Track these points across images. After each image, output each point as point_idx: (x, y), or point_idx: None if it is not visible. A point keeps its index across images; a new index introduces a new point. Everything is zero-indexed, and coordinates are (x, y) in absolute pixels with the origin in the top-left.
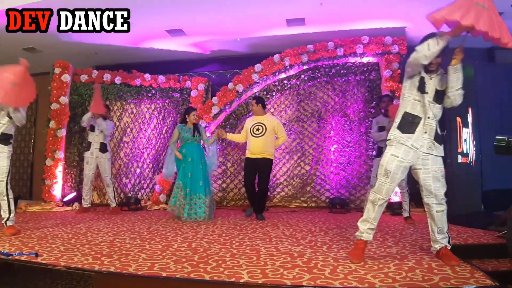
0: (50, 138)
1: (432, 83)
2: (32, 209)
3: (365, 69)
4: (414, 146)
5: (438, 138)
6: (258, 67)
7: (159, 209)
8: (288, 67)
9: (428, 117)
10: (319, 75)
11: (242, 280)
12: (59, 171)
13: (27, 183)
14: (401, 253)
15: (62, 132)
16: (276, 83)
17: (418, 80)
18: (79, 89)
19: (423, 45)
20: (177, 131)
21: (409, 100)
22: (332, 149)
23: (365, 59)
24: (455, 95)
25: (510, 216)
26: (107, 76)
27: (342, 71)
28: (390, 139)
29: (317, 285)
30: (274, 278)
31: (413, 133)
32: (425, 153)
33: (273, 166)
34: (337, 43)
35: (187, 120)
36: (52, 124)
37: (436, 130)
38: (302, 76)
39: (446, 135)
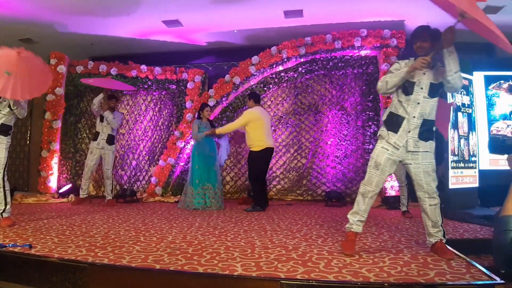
0: (46, 130)
1: (426, 78)
2: (28, 200)
3: (363, 62)
4: (396, 144)
5: (424, 136)
6: (255, 59)
7: (155, 201)
8: (285, 60)
9: (414, 117)
10: (317, 68)
11: (236, 273)
12: (54, 162)
13: (23, 175)
14: (396, 247)
15: (58, 124)
16: (273, 76)
17: (404, 83)
18: (74, 80)
19: (383, 78)
20: (196, 125)
21: (394, 101)
22: (329, 142)
23: (363, 52)
24: (455, 78)
25: (497, 220)
26: (102, 67)
27: (339, 64)
28: (379, 134)
29: (311, 278)
30: (268, 271)
31: (396, 132)
32: (412, 151)
33: None
34: (335, 36)
35: (201, 116)
36: (47, 115)
37: (424, 127)
38: (300, 68)
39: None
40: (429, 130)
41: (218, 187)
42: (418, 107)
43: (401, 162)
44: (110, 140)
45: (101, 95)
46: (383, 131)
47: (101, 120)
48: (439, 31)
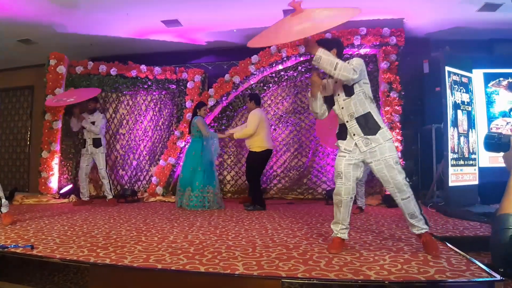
0: (46, 130)
1: (337, 83)
2: (29, 201)
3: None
4: (347, 149)
5: (369, 131)
6: (255, 58)
7: (156, 201)
8: (285, 59)
9: (347, 121)
10: (316, 66)
11: (237, 272)
12: (55, 163)
13: (23, 176)
14: (396, 245)
15: (58, 124)
16: (273, 75)
17: (323, 101)
18: (74, 80)
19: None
20: (202, 120)
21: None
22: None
23: (362, 51)
24: (338, 75)
25: (495, 218)
26: (102, 68)
27: None
28: (337, 146)
29: (312, 277)
30: (269, 269)
31: (344, 139)
32: (367, 150)
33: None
34: (335, 34)
35: (198, 114)
36: (47, 116)
37: (361, 124)
38: (299, 67)
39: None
40: (368, 124)
41: (217, 188)
42: (344, 111)
43: (363, 162)
44: (96, 143)
45: (74, 120)
46: (337, 142)
47: (85, 128)
48: (332, 39)
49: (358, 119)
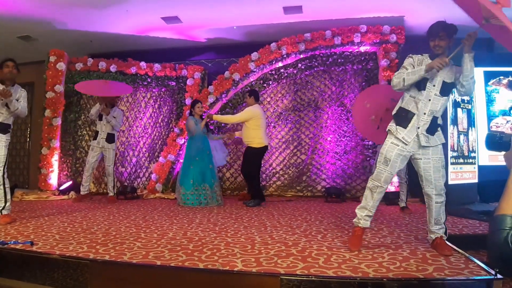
0: (46, 127)
1: (439, 76)
2: (29, 198)
3: (362, 58)
4: (405, 139)
5: (432, 131)
6: (254, 55)
7: (155, 198)
8: (285, 56)
9: (424, 113)
10: (316, 64)
11: (236, 269)
12: (55, 160)
13: (23, 172)
14: (395, 243)
15: (58, 121)
16: (273, 72)
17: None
18: (74, 77)
19: (399, 74)
20: (192, 121)
21: (405, 96)
22: (329, 138)
23: (362, 48)
24: (470, 84)
25: (492, 218)
26: (102, 65)
27: (339, 60)
28: (388, 129)
29: (311, 274)
30: (268, 266)
31: (405, 127)
32: (423, 146)
33: (269, 155)
34: (335, 32)
35: (193, 112)
36: (47, 112)
37: (432, 124)
38: (299, 65)
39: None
40: (435, 125)
41: (216, 185)
42: (429, 104)
43: (410, 157)
44: (110, 138)
45: (98, 106)
46: (392, 126)
47: (100, 119)
48: (455, 28)
49: (434, 119)
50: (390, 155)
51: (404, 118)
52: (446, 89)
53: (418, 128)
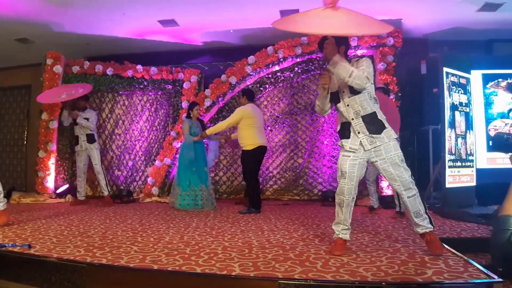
0: (43, 130)
1: (337, 83)
2: (26, 200)
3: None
4: (352, 148)
5: (375, 130)
6: (251, 59)
7: (152, 201)
8: (281, 60)
9: (352, 119)
10: (313, 67)
11: (233, 273)
12: (51, 163)
13: (21, 175)
14: (393, 246)
15: (54, 124)
16: (270, 76)
17: (329, 97)
18: (71, 80)
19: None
20: (187, 124)
21: (338, 112)
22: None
23: (359, 52)
24: (352, 82)
25: (496, 219)
26: (98, 67)
27: None
28: (339, 145)
29: (309, 278)
30: (266, 271)
31: (348, 137)
32: (371, 148)
33: (266, 159)
34: None
35: (191, 115)
36: (44, 115)
37: (367, 122)
38: (296, 68)
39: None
40: (374, 123)
41: (211, 188)
42: (349, 109)
43: (368, 162)
44: (90, 139)
45: (65, 113)
46: (340, 141)
47: (76, 124)
48: (326, 38)
49: (364, 118)
50: (345, 167)
51: (343, 130)
52: (353, 87)
53: (359, 133)
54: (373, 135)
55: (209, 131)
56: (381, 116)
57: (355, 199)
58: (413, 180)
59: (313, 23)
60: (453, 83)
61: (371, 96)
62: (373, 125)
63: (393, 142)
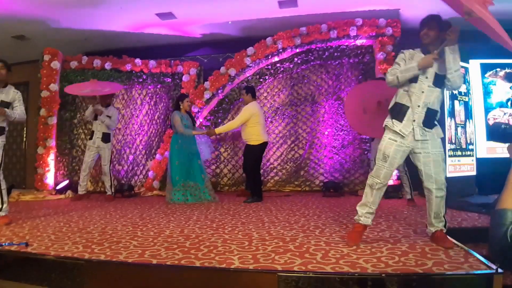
0: (41, 126)
1: (432, 68)
2: (25, 198)
3: (358, 51)
4: (402, 132)
5: (429, 125)
6: (250, 50)
7: (153, 195)
8: (280, 50)
9: (418, 106)
10: (312, 58)
11: (233, 266)
12: (51, 159)
13: (20, 173)
14: (394, 237)
15: (53, 120)
16: (269, 67)
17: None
18: (69, 76)
19: (393, 71)
20: (178, 117)
21: (399, 90)
22: (326, 133)
23: (358, 42)
24: (454, 77)
25: (493, 212)
26: (97, 62)
27: (335, 54)
28: (385, 125)
29: (308, 270)
30: (265, 263)
31: (401, 121)
32: (421, 139)
33: (266, 151)
34: (330, 26)
35: (181, 107)
36: (42, 111)
37: (428, 116)
38: (295, 59)
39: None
40: (433, 119)
41: (207, 181)
42: (422, 96)
43: (410, 151)
44: (106, 138)
45: (91, 108)
46: (388, 121)
47: (95, 119)
48: (448, 23)
49: (428, 111)
50: (389, 151)
51: (399, 112)
52: (439, 81)
53: (414, 121)
54: (426, 128)
55: (218, 130)
56: (438, 114)
57: (387, 186)
58: (446, 182)
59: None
60: None
61: (443, 96)
62: (431, 120)
63: (440, 140)
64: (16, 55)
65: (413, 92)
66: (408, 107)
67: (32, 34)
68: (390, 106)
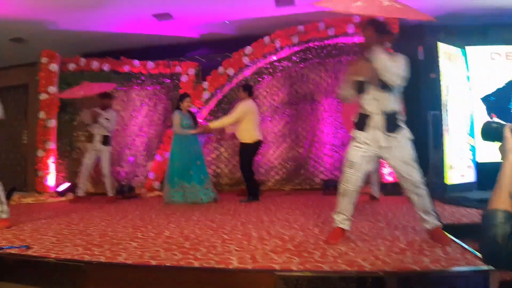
0: (41, 129)
1: (374, 74)
2: (26, 200)
3: (357, 49)
4: (366, 142)
5: (392, 129)
6: (248, 49)
7: (154, 196)
8: (278, 49)
9: (376, 114)
10: (311, 56)
11: (231, 266)
12: (51, 161)
13: (20, 175)
14: (392, 234)
15: (53, 123)
16: (267, 66)
17: (356, 85)
18: (67, 78)
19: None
20: (178, 116)
21: (360, 101)
22: (326, 131)
23: (356, 39)
24: (386, 77)
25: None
26: (95, 64)
27: (333, 51)
28: (352, 135)
29: (307, 269)
30: (263, 263)
31: (364, 130)
32: (387, 146)
33: (266, 150)
34: (328, 23)
35: (181, 107)
36: (42, 114)
37: (388, 121)
38: (294, 57)
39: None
40: (394, 122)
41: (207, 182)
42: (376, 104)
43: (378, 157)
44: (105, 141)
45: (87, 112)
46: (354, 131)
47: (95, 121)
48: (384, 25)
49: (387, 116)
50: (355, 158)
51: (361, 122)
52: (385, 84)
53: (376, 128)
54: (390, 134)
55: (213, 125)
56: (400, 115)
57: (358, 192)
58: (423, 179)
59: (354, 4)
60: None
61: (400, 93)
62: (393, 123)
63: (407, 142)
64: (15, 58)
65: (367, 101)
66: (367, 116)
67: (30, 37)
68: (354, 118)
